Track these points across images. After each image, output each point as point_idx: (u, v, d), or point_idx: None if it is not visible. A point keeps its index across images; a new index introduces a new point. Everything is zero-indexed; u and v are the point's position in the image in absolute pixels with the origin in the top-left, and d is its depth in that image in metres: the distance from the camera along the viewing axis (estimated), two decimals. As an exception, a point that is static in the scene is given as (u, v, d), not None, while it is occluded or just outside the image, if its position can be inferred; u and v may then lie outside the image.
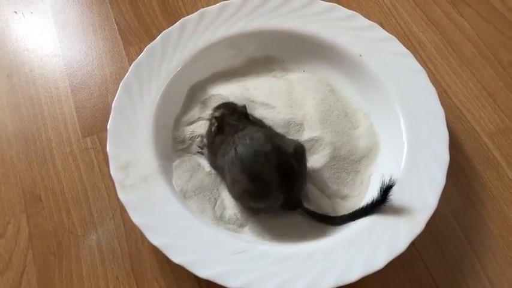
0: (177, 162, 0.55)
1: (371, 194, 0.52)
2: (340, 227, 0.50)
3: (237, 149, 0.48)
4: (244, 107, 0.54)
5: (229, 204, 0.53)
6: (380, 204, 0.49)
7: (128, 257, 0.52)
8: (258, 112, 0.57)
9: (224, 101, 0.57)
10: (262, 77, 0.61)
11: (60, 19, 0.69)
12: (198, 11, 0.61)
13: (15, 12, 0.70)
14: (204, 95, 0.59)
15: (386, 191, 0.49)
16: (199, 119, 0.58)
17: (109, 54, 0.66)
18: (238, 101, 0.57)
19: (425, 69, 0.58)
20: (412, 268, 0.51)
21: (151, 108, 0.56)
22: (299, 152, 0.50)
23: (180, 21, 0.61)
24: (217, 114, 0.53)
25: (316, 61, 0.62)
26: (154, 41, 0.59)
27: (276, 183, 0.48)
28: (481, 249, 0.52)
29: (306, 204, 0.51)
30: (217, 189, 0.54)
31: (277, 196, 0.48)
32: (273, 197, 0.48)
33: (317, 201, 0.53)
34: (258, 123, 0.54)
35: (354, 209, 0.51)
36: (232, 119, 0.52)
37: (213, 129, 0.53)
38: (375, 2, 0.70)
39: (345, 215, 0.51)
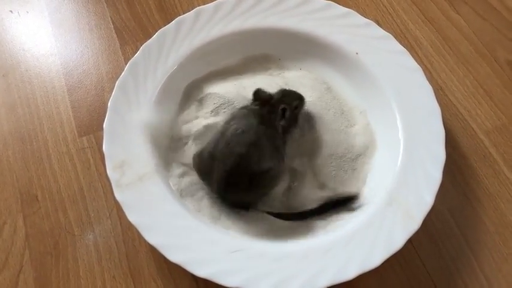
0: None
1: (368, 191, 0.53)
2: (336, 225, 0.50)
3: (230, 126, 0.49)
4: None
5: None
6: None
7: (124, 256, 0.52)
8: None
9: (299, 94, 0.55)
10: (258, 75, 0.61)
11: (56, 18, 0.69)
12: (194, 10, 0.61)
13: (11, 11, 0.70)
14: (200, 93, 0.59)
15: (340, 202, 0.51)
16: (195, 117, 0.58)
17: (105, 53, 0.66)
18: (235, 99, 0.57)
19: (421, 67, 0.58)
20: (409, 266, 0.51)
21: (147, 107, 0.55)
22: (264, 174, 0.49)
23: (176, 19, 0.60)
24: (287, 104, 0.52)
25: (313, 59, 0.62)
26: (150, 39, 0.59)
27: (213, 178, 0.49)
28: (478, 246, 0.52)
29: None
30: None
31: (213, 187, 0.50)
32: (210, 184, 0.51)
33: (313, 199, 0.53)
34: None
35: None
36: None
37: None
38: (371, -1, 0.71)
39: (296, 213, 0.52)
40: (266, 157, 0.49)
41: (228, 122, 0.51)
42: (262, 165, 0.48)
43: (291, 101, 0.53)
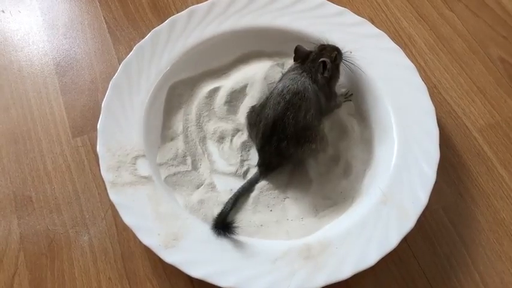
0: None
1: (363, 190, 0.53)
2: (332, 225, 0.50)
3: (279, 85, 0.52)
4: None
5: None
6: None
7: (120, 257, 0.52)
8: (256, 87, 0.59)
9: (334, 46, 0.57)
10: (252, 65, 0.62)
11: (49, 18, 0.69)
12: (187, 9, 0.61)
13: (3, 11, 0.70)
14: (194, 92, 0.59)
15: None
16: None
17: (98, 53, 0.65)
18: (237, 83, 0.59)
19: (415, 65, 0.58)
20: (404, 264, 0.52)
21: (141, 107, 0.55)
22: (307, 130, 0.51)
23: (169, 19, 0.60)
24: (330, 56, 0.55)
25: (307, 58, 0.62)
26: (143, 39, 0.59)
27: (260, 126, 0.51)
28: (472, 244, 0.53)
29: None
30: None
31: (257, 134, 0.52)
32: (254, 133, 0.53)
33: (312, 195, 0.53)
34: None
35: (350, 204, 0.52)
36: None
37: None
38: (365, -3, 0.70)
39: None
40: (312, 114, 0.51)
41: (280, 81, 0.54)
42: (308, 120, 0.51)
43: (329, 53, 0.55)
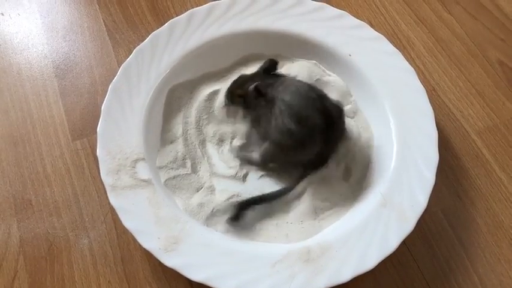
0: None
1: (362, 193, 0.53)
2: (331, 228, 0.51)
3: (285, 98, 0.50)
4: (274, 62, 0.56)
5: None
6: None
7: (120, 261, 0.52)
8: None
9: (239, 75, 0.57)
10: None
11: (48, 20, 0.69)
12: (187, 12, 0.61)
13: (2, 14, 0.70)
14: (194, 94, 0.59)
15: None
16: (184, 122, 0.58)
17: (98, 56, 0.66)
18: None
19: (414, 68, 0.58)
20: (403, 267, 0.52)
21: (141, 110, 0.55)
22: (340, 108, 0.52)
23: (169, 22, 0.60)
24: (250, 88, 0.53)
25: (306, 61, 0.62)
26: (143, 42, 0.59)
27: (319, 127, 0.50)
28: (471, 247, 0.53)
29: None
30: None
31: (317, 141, 0.50)
32: (313, 142, 0.50)
33: (312, 198, 0.53)
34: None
35: (350, 207, 0.52)
36: (266, 81, 0.54)
37: (255, 101, 0.53)
38: (363, 0, 0.70)
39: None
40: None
41: (278, 104, 0.51)
42: (334, 100, 0.52)
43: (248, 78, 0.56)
